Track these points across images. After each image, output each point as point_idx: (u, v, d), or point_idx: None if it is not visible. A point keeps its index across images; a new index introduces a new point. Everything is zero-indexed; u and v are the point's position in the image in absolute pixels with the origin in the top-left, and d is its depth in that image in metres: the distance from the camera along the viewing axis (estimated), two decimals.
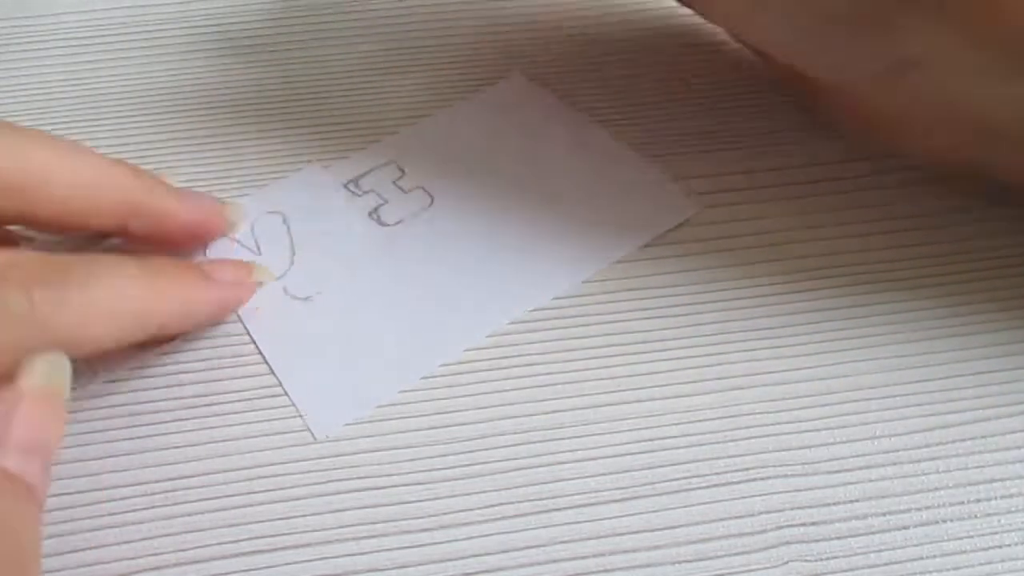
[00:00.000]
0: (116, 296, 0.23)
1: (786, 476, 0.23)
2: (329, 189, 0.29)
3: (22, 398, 0.20)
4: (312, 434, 0.24)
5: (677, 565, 0.22)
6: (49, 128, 0.29)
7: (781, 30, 0.25)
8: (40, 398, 0.21)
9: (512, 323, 0.26)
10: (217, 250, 0.27)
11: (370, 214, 0.29)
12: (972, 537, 0.22)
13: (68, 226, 0.25)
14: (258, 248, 0.27)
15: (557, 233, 0.28)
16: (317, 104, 0.32)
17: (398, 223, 0.28)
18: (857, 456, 0.24)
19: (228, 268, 0.26)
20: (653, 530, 0.22)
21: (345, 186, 0.29)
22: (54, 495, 0.23)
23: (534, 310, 0.26)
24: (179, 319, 0.25)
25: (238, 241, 0.28)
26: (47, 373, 0.21)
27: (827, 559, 0.22)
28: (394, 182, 0.29)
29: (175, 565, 0.22)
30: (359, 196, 0.29)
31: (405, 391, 0.25)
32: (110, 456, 0.23)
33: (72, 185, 0.24)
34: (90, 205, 0.24)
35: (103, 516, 0.23)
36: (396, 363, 0.25)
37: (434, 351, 0.26)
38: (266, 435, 0.24)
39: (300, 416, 0.24)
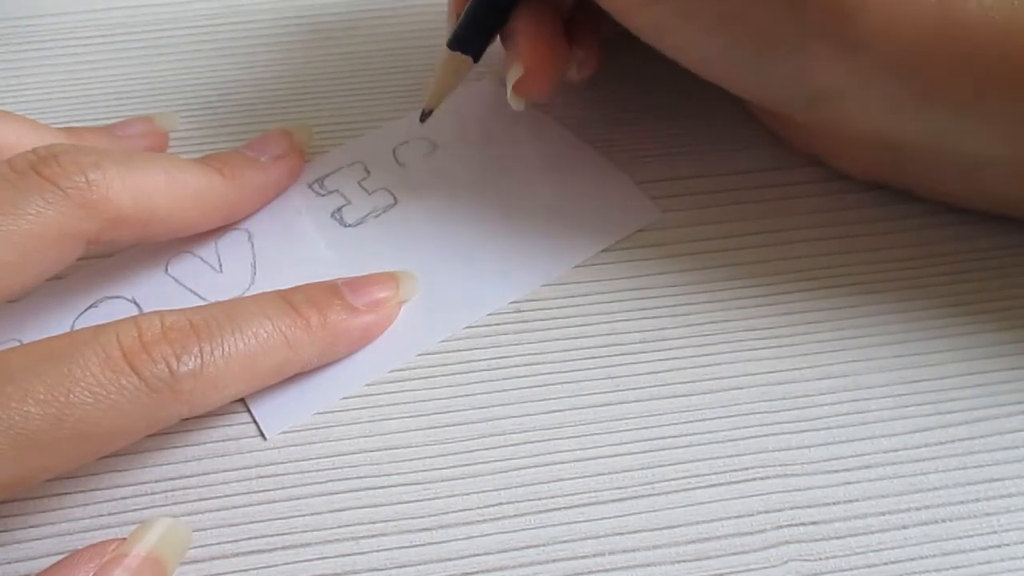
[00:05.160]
0: (257, 352, 0.23)
1: (785, 476, 0.23)
2: (293, 189, 0.29)
3: (123, 558, 0.20)
4: (263, 435, 0.24)
5: (676, 565, 0.22)
6: None
7: (704, 49, 0.25)
8: (143, 563, 0.20)
9: (510, 320, 0.26)
10: (180, 267, 0.27)
11: (332, 214, 0.29)
12: (971, 537, 0.22)
13: (179, 236, 0.27)
14: (220, 266, 0.27)
15: (525, 232, 0.28)
16: (316, 102, 0.32)
17: (359, 224, 0.28)
18: (856, 456, 0.24)
19: (367, 289, 0.25)
20: (652, 530, 0.22)
21: (310, 186, 0.29)
22: (54, 495, 0.23)
23: (524, 303, 0.26)
24: (319, 361, 0.25)
25: (200, 257, 0.27)
26: (160, 539, 0.21)
27: (827, 559, 0.22)
28: (359, 182, 0.29)
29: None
30: (322, 196, 0.29)
31: (405, 391, 0.25)
32: (110, 456, 0.23)
33: (182, 207, 0.25)
34: (198, 216, 0.26)
35: (103, 516, 0.23)
36: (350, 365, 0.25)
37: (388, 354, 0.25)
38: (263, 434, 0.24)
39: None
